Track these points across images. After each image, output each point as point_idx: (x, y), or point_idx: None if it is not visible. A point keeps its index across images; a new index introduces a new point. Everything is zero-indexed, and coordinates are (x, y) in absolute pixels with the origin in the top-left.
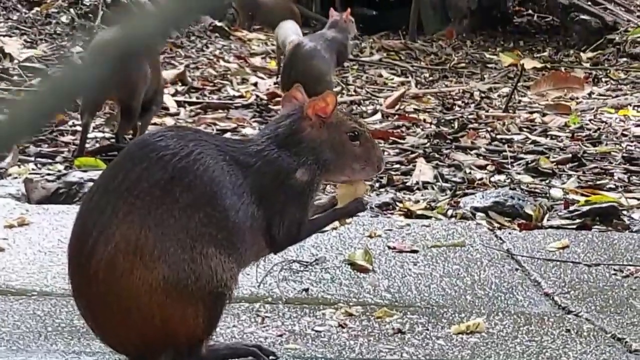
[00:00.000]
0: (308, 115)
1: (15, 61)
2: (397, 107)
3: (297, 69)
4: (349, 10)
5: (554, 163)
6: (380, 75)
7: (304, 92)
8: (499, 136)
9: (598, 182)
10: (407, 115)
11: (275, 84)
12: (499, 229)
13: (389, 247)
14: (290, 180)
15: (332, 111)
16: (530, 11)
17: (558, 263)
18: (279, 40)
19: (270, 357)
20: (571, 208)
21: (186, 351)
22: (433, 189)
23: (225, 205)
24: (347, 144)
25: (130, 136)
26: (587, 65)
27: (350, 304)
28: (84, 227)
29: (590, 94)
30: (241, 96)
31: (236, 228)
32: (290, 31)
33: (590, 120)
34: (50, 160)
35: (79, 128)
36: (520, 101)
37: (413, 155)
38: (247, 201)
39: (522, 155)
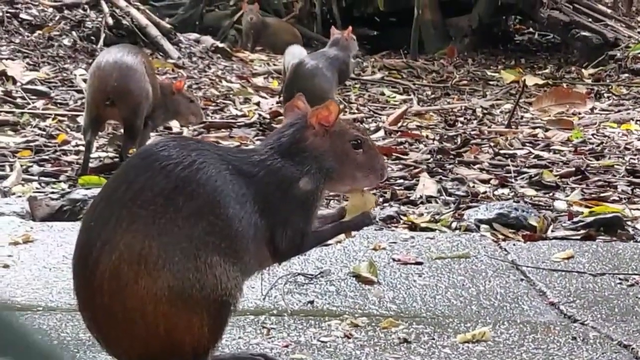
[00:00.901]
0: (311, 124)
1: (18, 84)
2: (399, 124)
3: (299, 87)
4: (350, 28)
5: (558, 176)
6: (383, 94)
7: (305, 101)
8: (501, 151)
9: (602, 195)
10: (409, 132)
11: (277, 102)
12: (504, 240)
13: (394, 260)
14: (293, 189)
15: (335, 120)
16: (531, 29)
17: (563, 273)
18: (285, 64)
19: None
20: (575, 219)
21: None
22: (437, 202)
23: (228, 214)
24: (350, 153)
25: None
26: (589, 81)
27: (356, 315)
28: (88, 238)
29: (592, 109)
30: (244, 115)
31: (240, 237)
32: (297, 56)
33: (593, 134)
34: (54, 179)
35: (82, 148)
36: (522, 117)
37: (416, 171)
38: (251, 210)
39: (525, 170)
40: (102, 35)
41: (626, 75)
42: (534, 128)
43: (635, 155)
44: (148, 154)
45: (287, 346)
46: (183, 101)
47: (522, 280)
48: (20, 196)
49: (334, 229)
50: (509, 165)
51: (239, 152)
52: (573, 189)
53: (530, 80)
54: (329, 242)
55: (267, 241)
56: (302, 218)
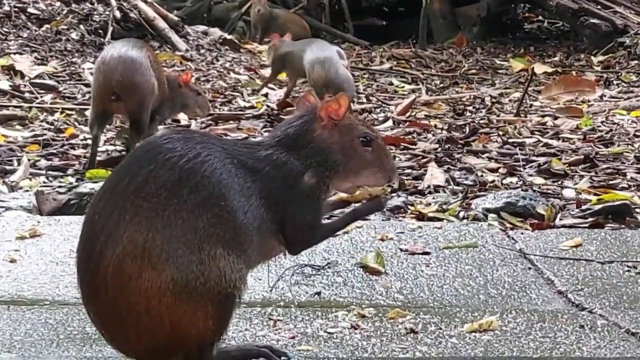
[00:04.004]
0: (320, 116)
1: (26, 78)
2: (408, 114)
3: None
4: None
5: (566, 164)
6: (391, 84)
7: (316, 96)
8: (510, 140)
9: (610, 182)
10: (418, 121)
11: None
12: (511, 229)
13: (401, 250)
14: (299, 184)
15: (345, 113)
16: (540, 17)
17: (571, 261)
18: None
19: (282, 358)
20: (583, 207)
21: (197, 354)
22: (445, 192)
23: (233, 206)
24: (358, 149)
25: None
26: (598, 68)
27: (363, 306)
28: (92, 232)
29: (601, 96)
30: (252, 107)
31: (244, 229)
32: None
33: (602, 122)
34: (61, 173)
35: (90, 142)
36: (531, 105)
37: (424, 160)
38: (256, 203)
39: (534, 158)
40: (110, 29)
41: (635, 62)
42: (543, 116)
43: None
44: (151, 146)
45: (293, 337)
46: (190, 94)
47: (530, 269)
48: (27, 190)
49: (346, 219)
50: (517, 154)
51: (244, 145)
52: (582, 176)
53: (539, 68)
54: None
55: (274, 233)
56: (309, 211)
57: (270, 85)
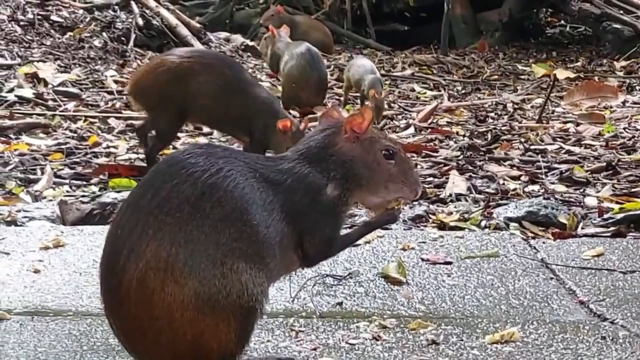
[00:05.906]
0: (345, 129)
1: (50, 86)
2: (429, 120)
3: None
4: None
5: (588, 172)
6: (413, 90)
7: (340, 112)
8: (532, 147)
9: (633, 190)
10: (440, 128)
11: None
12: (533, 238)
13: (423, 260)
14: (320, 196)
15: (367, 127)
16: (562, 22)
17: (593, 271)
18: (350, 74)
19: None
20: (605, 216)
21: None
22: (466, 200)
23: (255, 221)
24: (381, 162)
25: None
26: (621, 73)
27: (385, 316)
28: (115, 246)
29: (624, 102)
30: None
31: (266, 243)
32: (365, 69)
33: (624, 128)
34: (85, 182)
35: (113, 150)
36: (553, 111)
37: (446, 168)
38: (278, 217)
39: (556, 165)
40: (133, 36)
41: None
42: (565, 122)
43: None
44: (175, 161)
45: (315, 349)
46: (282, 144)
47: (551, 278)
48: (51, 200)
49: (360, 231)
50: (539, 161)
51: (266, 160)
52: (604, 184)
53: (562, 73)
54: (358, 242)
55: (294, 247)
56: (329, 224)
57: None
